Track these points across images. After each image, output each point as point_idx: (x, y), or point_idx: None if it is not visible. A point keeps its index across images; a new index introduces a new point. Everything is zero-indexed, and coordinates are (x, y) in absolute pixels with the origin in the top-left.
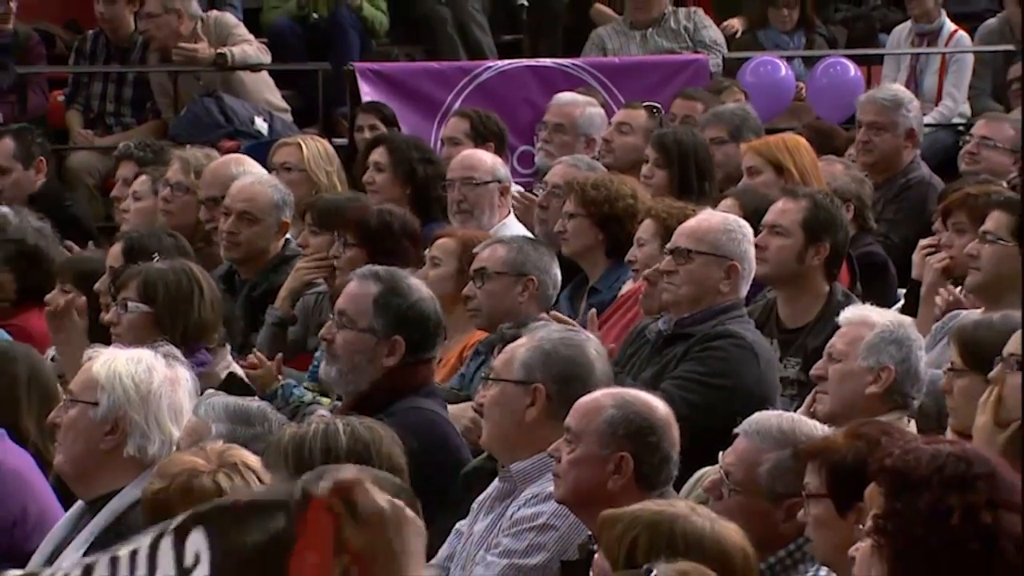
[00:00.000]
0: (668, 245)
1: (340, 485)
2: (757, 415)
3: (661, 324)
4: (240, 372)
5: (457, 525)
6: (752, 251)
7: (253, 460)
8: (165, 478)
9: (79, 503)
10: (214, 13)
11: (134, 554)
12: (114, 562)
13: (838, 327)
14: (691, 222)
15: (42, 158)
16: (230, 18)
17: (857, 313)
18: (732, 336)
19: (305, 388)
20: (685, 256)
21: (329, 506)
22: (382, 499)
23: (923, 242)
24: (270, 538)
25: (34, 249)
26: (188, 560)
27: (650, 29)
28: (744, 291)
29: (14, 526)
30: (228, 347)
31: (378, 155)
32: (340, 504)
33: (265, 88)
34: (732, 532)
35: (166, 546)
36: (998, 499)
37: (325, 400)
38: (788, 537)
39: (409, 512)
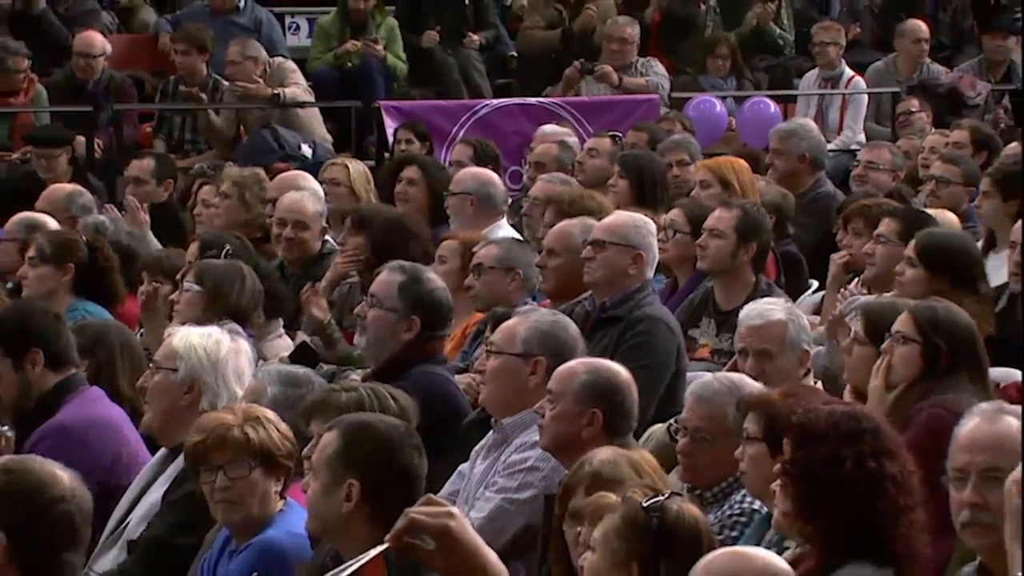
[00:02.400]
0: (588, 237)
1: (397, 532)
2: (700, 380)
3: (587, 305)
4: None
5: (460, 467)
6: (655, 243)
7: (271, 415)
8: (203, 432)
9: (163, 450)
10: (277, 59)
11: None
12: None
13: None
14: (607, 219)
15: (170, 180)
16: (289, 64)
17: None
18: (649, 318)
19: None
20: (601, 246)
21: (404, 547)
22: (435, 518)
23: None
24: None
25: (126, 248)
26: None
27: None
28: (649, 275)
29: (111, 466)
30: (279, 322)
31: (412, 172)
32: (408, 541)
33: (314, 121)
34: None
35: None
36: (882, 449)
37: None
38: (727, 471)
39: (455, 511)
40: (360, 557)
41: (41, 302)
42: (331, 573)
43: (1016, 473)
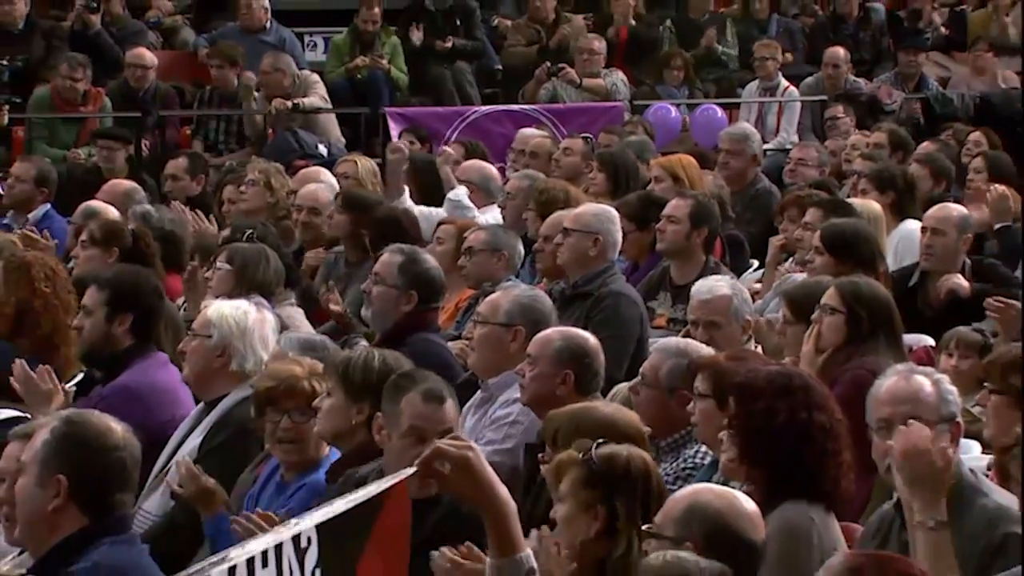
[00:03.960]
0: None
1: (425, 458)
2: (662, 341)
3: (562, 284)
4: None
5: None
6: (616, 228)
7: None
8: (275, 379)
9: (200, 404)
10: (304, 72)
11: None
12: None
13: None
14: (573, 211)
15: (203, 175)
16: (314, 76)
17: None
18: (613, 294)
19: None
20: (567, 233)
21: (429, 472)
22: (458, 450)
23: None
24: (360, 506)
25: (169, 233)
26: (303, 544)
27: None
28: (611, 256)
29: (164, 424)
30: (291, 292)
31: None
32: (433, 467)
33: (329, 125)
34: (631, 416)
35: (288, 547)
36: (812, 402)
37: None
38: (680, 425)
39: (475, 446)
40: (390, 477)
41: (155, 277)
42: (358, 493)
43: (910, 425)
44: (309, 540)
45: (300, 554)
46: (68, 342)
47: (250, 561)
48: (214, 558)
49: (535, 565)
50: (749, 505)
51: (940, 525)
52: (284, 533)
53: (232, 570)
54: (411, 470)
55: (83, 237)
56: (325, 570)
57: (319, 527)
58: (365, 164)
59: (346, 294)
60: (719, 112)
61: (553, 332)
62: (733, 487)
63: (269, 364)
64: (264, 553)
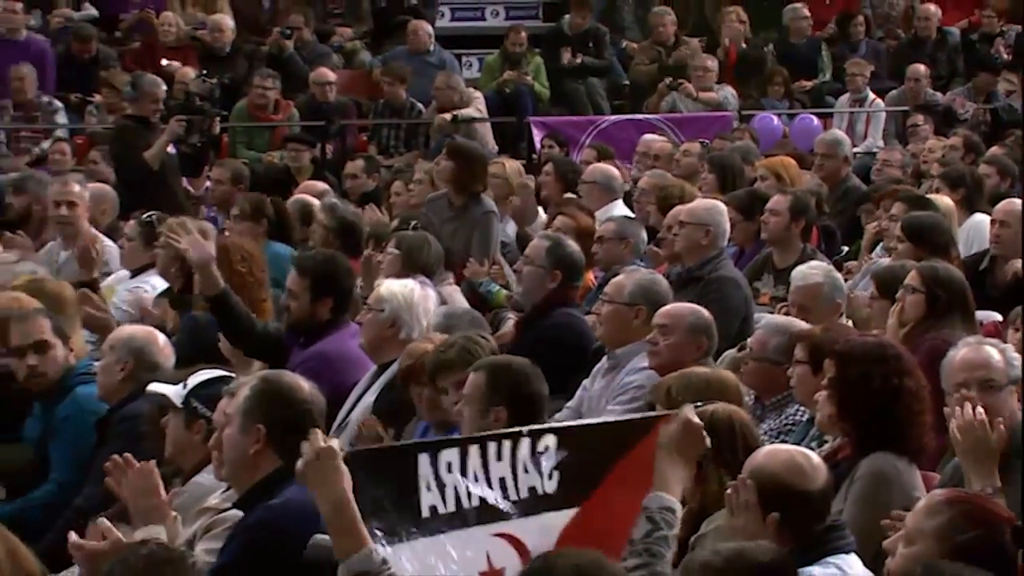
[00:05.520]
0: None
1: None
2: (767, 318)
3: (677, 269)
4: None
5: (584, 383)
6: (724, 220)
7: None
8: (411, 358)
9: (374, 367)
10: (469, 89)
11: (500, 446)
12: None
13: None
14: (688, 205)
15: (376, 173)
16: (475, 92)
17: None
18: (722, 279)
19: (496, 285)
20: (682, 225)
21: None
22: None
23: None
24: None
25: (351, 223)
26: (540, 448)
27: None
28: (721, 244)
29: (353, 384)
30: (449, 273)
31: (550, 168)
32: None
33: (484, 131)
34: (731, 378)
35: (525, 444)
36: (902, 369)
37: (504, 293)
38: (782, 388)
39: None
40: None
41: (347, 262)
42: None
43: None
44: (547, 447)
45: (536, 456)
46: (263, 314)
47: (483, 452)
48: (446, 439)
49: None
50: (805, 462)
51: (996, 491)
52: (522, 440)
53: (464, 453)
54: (677, 411)
55: (234, 212)
56: (566, 473)
57: (565, 437)
58: (512, 165)
59: (456, 234)
60: (815, 121)
61: (683, 307)
62: (826, 441)
63: (409, 345)
64: (499, 448)
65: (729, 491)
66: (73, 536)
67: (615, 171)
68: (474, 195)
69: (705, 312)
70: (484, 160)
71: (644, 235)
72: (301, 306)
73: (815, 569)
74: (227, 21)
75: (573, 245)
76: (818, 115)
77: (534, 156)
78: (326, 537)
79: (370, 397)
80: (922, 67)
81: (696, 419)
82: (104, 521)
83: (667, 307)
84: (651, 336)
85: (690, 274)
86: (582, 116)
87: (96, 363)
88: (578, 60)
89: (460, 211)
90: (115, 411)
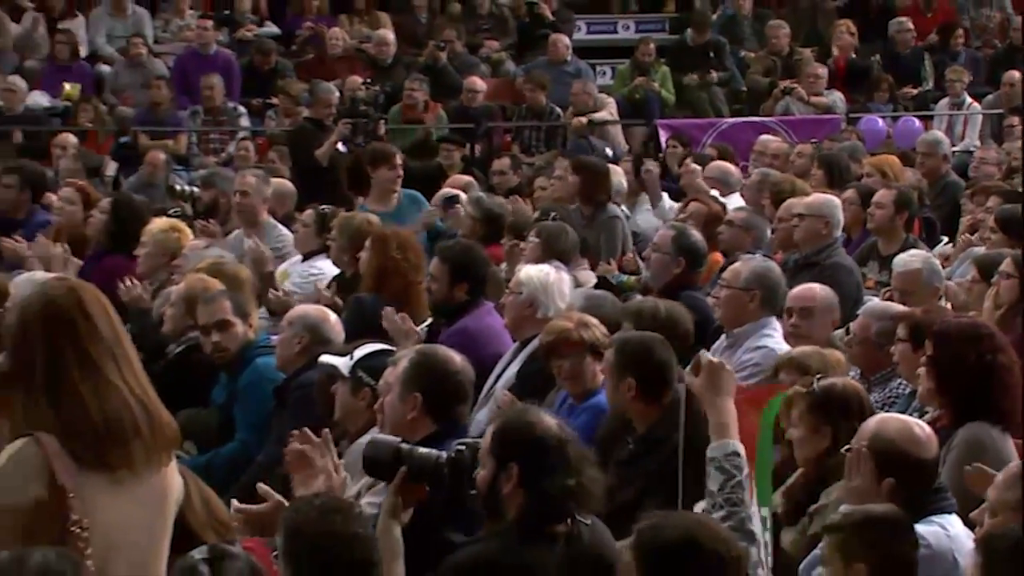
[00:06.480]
0: (793, 211)
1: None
2: (868, 304)
3: (794, 257)
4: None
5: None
6: (839, 213)
7: (593, 320)
8: (551, 334)
9: (516, 343)
10: (602, 95)
11: None
12: None
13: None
14: (807, 199)
15: (519, 170)
16: (609, 98)
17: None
18: (836, 267)
19: (625, 276)
20: (802, 217)
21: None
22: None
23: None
24: None
25: (496, 214)
26: None
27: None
28: (836, 234)
29: (494, 356)
30: (584, 260)
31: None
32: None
33: (617, 133)
34: (837, 355)
35: None
36: (995, 347)
37: (632, 279)
38: (886, 364)
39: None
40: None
41: (483, 251)
42: None
43: None
44: None
45: None
46: (418, 295)
47: None
48: None
49: None
50: (919, 432)
51: None
52: None
53: None
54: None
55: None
56: None
57: None
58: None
59: (589, 239)
60: (917, 123)
61: (815, 287)
62: (926, 412)
63: (550, 322)
64: None
65: (848, 456)
66: (235, 503)
67: (732, 168)
68: (600, 204)
69: (832, 295)
70: (607, 172)
71: (768, 229)
72: (441, 288)
73: (921, 527)
74: (389, 35)
75: (696, 235)
76: (920, 118)
77: (660, 155)
78: (382, 436)
79: (513, 368)
80: (1016, 73)
81: (713, 359)
82: (262, 486)
83: (801, 288)
84: (795, 319)
85: (807, 260)
86: (704, 119)
87: (273, 337)
88: (705, 77)
89: (590, 219)
90: (291, 379)
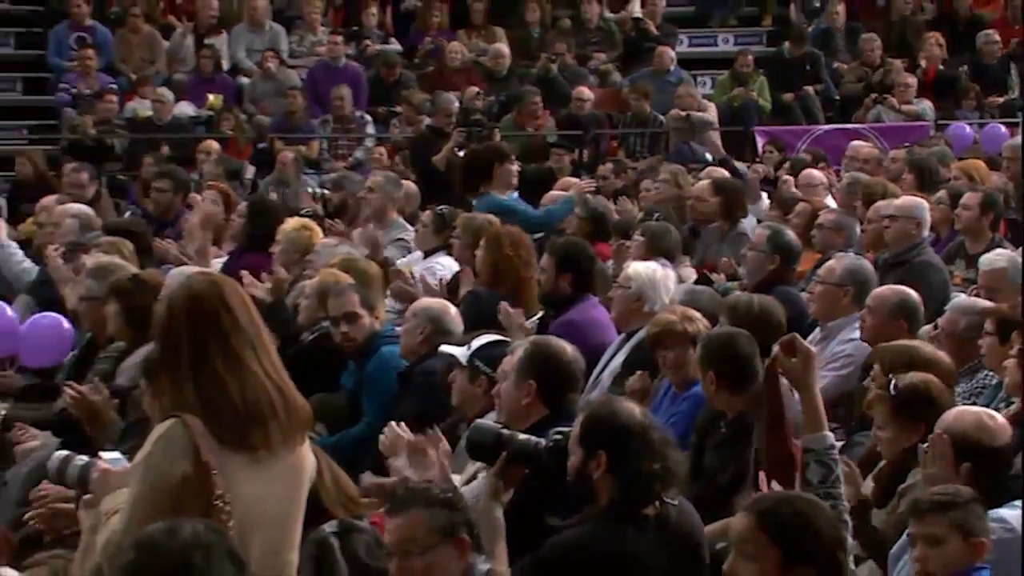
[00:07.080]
0: (883, 213)
1: (783, 343)
2: (955, 300)
3: (885, 255)
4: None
5: None
6: (927, 214)
7: (697, 314)
8: (658, 326)
9: (622, 335)
10: (705, 101)
11: None
12: None
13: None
14: (897, 201)
15: (624, 174)
16: (710, 104)
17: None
18: (925, 265)
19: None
20: (893, 218)
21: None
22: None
23: None
24: None
25: (600, 214)
26: None
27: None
28: (924, 234)
29: (600, 346)
30: (687, 258)
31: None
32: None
33: (715, 138)
34: (941, 355)
35: None
36: None
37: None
38: (973, 357)
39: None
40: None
41: (589, 247)
42: None
43: None
44: None
45: None
46: (530, 289)
47: None
48: None
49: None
50: (992, 422)
51: None
52: None
53: None
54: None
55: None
56: None
57: None
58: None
59: (725, 251)
60: (1003, 129)
61: (889, 289)
62: (1012, 402)
63: (657, 315)
64: None
65: (926, 445)
66: (369, 475)
67: (820, 174)
68: (735, 220)
69: (910, 296)
70: (743, 191)
71: (858, 228)
72: (548, 280)
73: (1003, 511)
74: (504, 49)
75: (791, 234)
76: (1006, 124)
77: (757, 159)
78: (485, 422)
79: (619, 359)
80: None
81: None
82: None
83: (876, 291)
84: (863, 313)
85: (897, 259)
86: (799, 126)
87: (398, 328)
88: (799, 94)
89: (726, 233)
90: (414, 367)
